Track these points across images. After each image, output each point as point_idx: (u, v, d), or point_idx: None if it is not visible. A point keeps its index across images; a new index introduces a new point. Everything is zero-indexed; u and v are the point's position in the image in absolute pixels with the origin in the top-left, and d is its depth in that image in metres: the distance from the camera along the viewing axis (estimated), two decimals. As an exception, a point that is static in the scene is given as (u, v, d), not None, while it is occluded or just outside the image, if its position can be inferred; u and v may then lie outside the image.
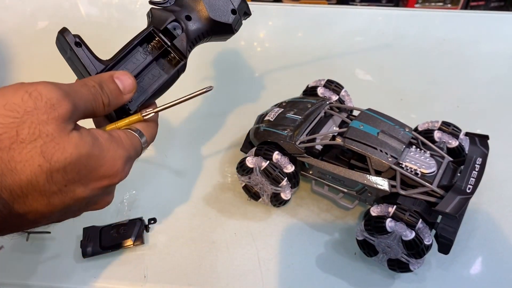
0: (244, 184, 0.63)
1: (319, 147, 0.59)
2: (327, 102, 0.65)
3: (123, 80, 0.38)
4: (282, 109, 0.65)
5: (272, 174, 0.58)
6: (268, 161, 0.58)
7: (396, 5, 1.67)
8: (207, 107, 0.79)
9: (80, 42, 0.39)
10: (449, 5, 1.65)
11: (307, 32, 0.95)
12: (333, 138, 0.59)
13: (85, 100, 0.35)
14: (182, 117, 0.77)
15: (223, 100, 0.80)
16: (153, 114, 0.40)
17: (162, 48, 0.42)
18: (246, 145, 0.65)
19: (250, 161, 0.59)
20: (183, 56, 0.42)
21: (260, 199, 0.63)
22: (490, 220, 0.62)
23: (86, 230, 0.59)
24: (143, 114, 0.40)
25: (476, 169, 0.54)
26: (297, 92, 0.71)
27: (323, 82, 0.69)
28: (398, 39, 0.93)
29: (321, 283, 0.57)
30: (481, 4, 1.63)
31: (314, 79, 0.70)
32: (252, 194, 0.63)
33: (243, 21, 0.46)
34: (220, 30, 0.44)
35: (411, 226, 0.51)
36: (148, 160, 0.70)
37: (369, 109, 0.60)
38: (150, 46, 0.42)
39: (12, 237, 0.59)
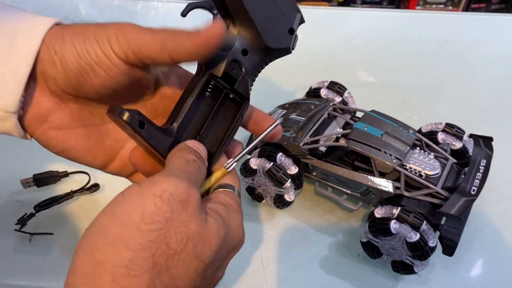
0: (247, 185, 0.63)
1: (322, 149, 0.59)
2: (331, 104, 0.65)
3: (200, 148, 0.36)
4: (285, 111, 0.65)
5: (276, 176, 0.57)
6: (271, 163, 0.58)
7: (397, 7, 1.67)
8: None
9: (143, 121, 0.34)
10: (450, 7, 1.65)
11: (308, 34, 0.95)
12: (337, 139, 0.59)
13: (197, 179, 0.32)
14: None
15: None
16: (235, 164, 0.37)
17: (222, 93, 0.37)
18: (249, 147, 0.65)
19: (254, 163, 0.59)
20: (246, 98, 0.37)
21: (264, 201, 0.62)
22: (494, 222, 0.62)
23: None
24: (227, 167, 0.36)
25: (481, 171, 0.54)
26: (300, 94, 0.71)
27: (326, 84, 0.69)
28: (399, 41, 0.93)
29: (324, 284, 0.57)
30: (482, 6, 1.63)
31: (317, 81, 0.70)
32: (256, 195, 0.63)
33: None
34: (277, 54, 0.38)
35: (416, 227, 0.50)
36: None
37: (373, 111, 0.60)
38: (208, 93, 0.37)
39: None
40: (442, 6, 1.64)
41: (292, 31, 0.37)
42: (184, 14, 0.38)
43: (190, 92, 0.36)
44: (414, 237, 0.50)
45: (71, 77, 0.33)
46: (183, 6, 0.39)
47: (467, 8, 1.63)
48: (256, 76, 0.39)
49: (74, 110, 0.36)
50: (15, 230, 0.60)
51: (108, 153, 0.39)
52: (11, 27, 0.33)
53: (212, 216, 0.30)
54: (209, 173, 0.36)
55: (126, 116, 0.33)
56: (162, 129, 0.35)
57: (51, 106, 0.35)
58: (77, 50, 0.32)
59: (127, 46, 0.32)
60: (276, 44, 0.37)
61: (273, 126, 0.37)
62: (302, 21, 0.39)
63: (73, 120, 0.36)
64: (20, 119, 0.34)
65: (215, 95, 0.37)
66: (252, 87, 0.39)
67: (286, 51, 0.38)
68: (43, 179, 0.64)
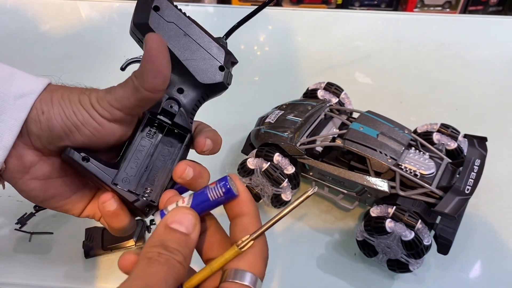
0: (245, 185, 0.63)
1: (319, 149, 0.60)
2: (327, 105, 0.65)
3: (181, 220, 0.32)
4: (283, 112, 0.66)
5: (273, 175, 0.58)
6: (269, 163, 0.59)
7: (395, 9, 1.68)
8: (208, 110, 0.79)
9: (87, 157, 0.37)
10: (447, 10, 1.66)
11: (306, 36, 0.96)
12: (333, 139, 0.60)
13: (162, 279, 0.29)
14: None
15: (224, 103, 0.80)
16: (252, 242, 0.31)
17: (165, 129, 0.40)
18: (247, 147, 0.66)
19: (251, 163, 0.60)
20: (188, 130, 0.40)
21: (261, 200, 0.63)
22: (489, 222, 0.63)
23: (88, 231, 0.60)
24: (240, 246, 0.31)
25: (475, 170, 0.55)
26: (297, 95, 0.72)
27: (323, 85, 0.69)
28: (397, 43, 0.94)
29: (321, 283, 0.57)
30: (479, 8, 1.64)
31: (314, 82, 0.71)
32: (253, 195, 0.64)
33: (233, 67, 0.43)
34: (214, 90, 0.41)
35: (411, 226, 0.51)
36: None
37: (368, 111, 0.60)
38: (152, 129, 0.40)
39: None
40: (439, 8, 1.65)
41: (222, 68, 0.41)
42: (123, 68, 0.43)
43: (135, 131, 0.39)
44: (409, 235, 0.51)
45: (55, 135, 0.36)
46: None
47: (464, 11, 1.64)
48: (195, 111, 0.42)
49: (55, 162, 0.38)
50: (15, 229, 0.61)
51: (88, 198, 0.41)
52: (1, 91, 0.35)
53: None
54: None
55: (71, 152, 0.36)
56: (108, 163, 0.38)
57: (33, 159, 0.37)
58: (65, 112, 0.35)
59: (109, 106, 0.35)
60: (207, 80, 0.40)
61: (310, 193, 0.33)
62: (234, 60, 0.42)
63: (53, 171, 0.38)
64: (2, 170, 0.36)
65: (159, 129, 0.40)
66: (193, 119, 0.41)
67: (222, 86, 0.41)
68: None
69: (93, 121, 0.36)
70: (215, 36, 0.42)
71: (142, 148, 0.39)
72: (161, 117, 0.39)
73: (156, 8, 0.40)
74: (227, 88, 0.42)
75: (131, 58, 0.44)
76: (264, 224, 0.33)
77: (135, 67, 0.37)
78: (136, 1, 0.40)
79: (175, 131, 0.40)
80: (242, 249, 0.31)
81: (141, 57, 0.37)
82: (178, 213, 0.32)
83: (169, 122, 0.40)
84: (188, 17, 0.41)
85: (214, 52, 0.41)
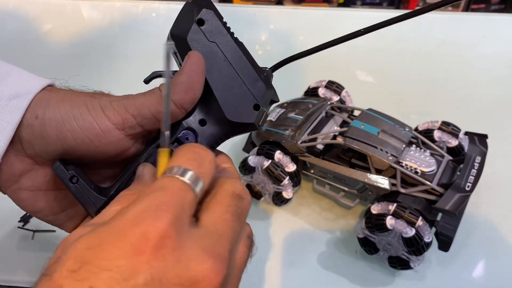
0: (246, 183, 0.63)
1: (320, 147, 0.60)
2: (328, 103, 0.65)
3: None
4: (284, 110, 0.66)
5: (274, 173, 0.58)
6: (270, 160, 0.59)
7: (397, 7, 1.68)
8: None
9: (76, 176, 0.33)
10: (450, 8, 1.65)
11: (308, 34, 0.96)
12: (334, 137, 0.60)
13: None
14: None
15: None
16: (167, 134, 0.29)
17: None
18: (248, 145, 0.66)
19: (252, 161, 0.60)
20: None
21: (262, 198, 0.63)
22: (490, 219, 0.63)
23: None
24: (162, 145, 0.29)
25: (475, 168, 0.55)
26: (299, 93, 0.72)
27: (324, 83, 0.69)
28: (398, 41, 0.94)
29: (322, 280, 0.57)
30: (481, 7, 1.64)
31: (315, 80, 0.71)
32: (254, 193, 0.64)
33: (271, 106, 0.37)
34: (241, 130, 0.36)
35: (411, 223, 0.51)
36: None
37: (369, 109, 0.60)
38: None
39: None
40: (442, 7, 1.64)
41: (257, 107, 0.35)
42: (146, 81, 0.37)
43: (138, 157, 0.35)
44: (410, 232, 0.51)
45: (49, 143, 0.33)
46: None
47: (466, 9, 1.64)
48: (214, 148, 0.36)
49: (48, 173, 0.35)
50: (18, 227, 0.61)
51: (81, 216, 0.38)
52: None
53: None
54: None
55: (59, 169, 0.32)
56: (98, 188, 0.34)
57: (24, 168, 0.34)
58: (61, 117, 0.32)
59: (124, 111, 0.32)
60: (236, 117, 0.35)
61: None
62: (274, 99, 0.37)
63: (45, 182, 0.35)
64: None
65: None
66: None
67: (251, 126, 0.36)
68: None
69: (96, 126, 0.32)
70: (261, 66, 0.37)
71: None
72: (172, 148, 0.34)
73: (200, 22, 0.34)
74: (257, 129, 0.36)
75: (157, 72, 0.37)
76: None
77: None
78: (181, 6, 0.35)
79: None
80: (163, 146, 0.28)
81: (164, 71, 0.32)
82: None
83: None
84: (235, 38, 0.36)
85: (253, 86, 0.35)
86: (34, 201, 0.35)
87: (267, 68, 0.38)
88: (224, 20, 0.35)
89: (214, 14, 0.35)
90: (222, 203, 0.27)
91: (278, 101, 0.38)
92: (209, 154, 0.28)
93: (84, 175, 0.33)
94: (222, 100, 0.34)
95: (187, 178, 0.26)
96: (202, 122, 0.35)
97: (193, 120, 0.35)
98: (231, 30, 0.36)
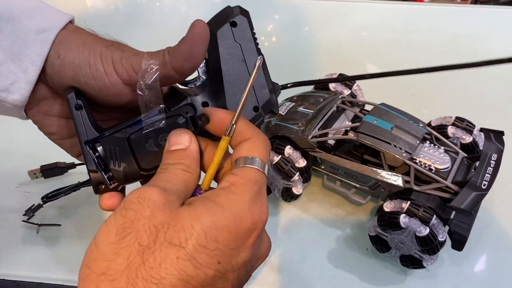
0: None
1: (331, 142, 0.59)
2: (339, 97, 0.64)
3: (177, 140, 0.34)
4: (293, 103, 0.64)
5: (284, 169, 0.57)
6: (280, 156, 0.58)
7: (407, 0, 1.66)
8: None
9: (81, 105, 0.36)
10: (458, 0, 1.63)
11: (315, 26, 0.94)
12: (346, 132, 0.59)
13: (166, 180, 0.32)
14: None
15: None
16: (235, 126, 0.33)
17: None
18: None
19: (262, 155, 0.59)
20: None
21: (271, 194, 0.62)
22: (503, 217, 0.61)
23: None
24: (227, 134, 0.33)
25: (492, 165, 0.53)
26: (308, 87, 0.70)
27: (335, 76, 0.68)
28: (408, 34, 0.92)
29: (332, 278, 0.57)
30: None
31: (324, 74, 0.69)
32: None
33: (268, 116, 0.40)
34: None
35: (425, 222, 0.50)
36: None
37: (382, 104, 0.59)
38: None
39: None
40: (450, -1, 1.62)
41: (256, 109, 0.38)
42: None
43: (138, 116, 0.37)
44: (424, 231, 0.50)
45: (65, 82, 0.36)
46: None
47: (475, 1, 1.61)
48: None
49: (63, 102, 0.39)
50: (23, 221, 0.60)
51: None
52: (23, 25, 0.35)
53: (189, 204, 0.30)
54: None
55: (70, 95, 0.36)
56: (97, 125, 0.38)
57: (44, 94, 0.38)
58: (79, 62, 0.35)
59: (131, 68, 0.35)
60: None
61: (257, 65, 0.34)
62: (274, 110, 0.39)
63: (60, 110, 0.39)
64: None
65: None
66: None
67: None
68: (50, 170, 0.64)
69: (106, 78, 0.35)
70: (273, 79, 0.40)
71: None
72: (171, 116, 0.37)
73: (233, 24, 0.37)
74: None
75: None
76: (237, 105, 0.33)
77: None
78: None
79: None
80: (230, 135, 0.33)
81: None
82: (173, 137, 0.35)
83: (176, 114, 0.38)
84: (258, 48, 0.38)
85: (259, 91, 0.38)
86: (48, 124, 0.40)
87: (277, 83, 0.41)
88: (254, 31, 0.38)
89: (247, 22, 0.38)
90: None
91: (277, 113, 0.40)
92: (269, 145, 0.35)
93: (89, 109, 0.37)
94: (228, 93, 0.37)
95: (266, 171, 0.33)
96: (204, 104, 0.38)
97: (197, 99, 0.38)
98: (257, 41, 0.39)
